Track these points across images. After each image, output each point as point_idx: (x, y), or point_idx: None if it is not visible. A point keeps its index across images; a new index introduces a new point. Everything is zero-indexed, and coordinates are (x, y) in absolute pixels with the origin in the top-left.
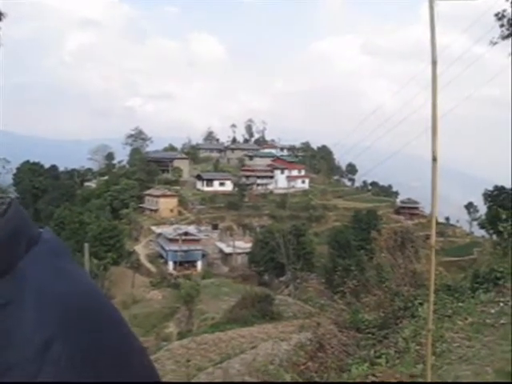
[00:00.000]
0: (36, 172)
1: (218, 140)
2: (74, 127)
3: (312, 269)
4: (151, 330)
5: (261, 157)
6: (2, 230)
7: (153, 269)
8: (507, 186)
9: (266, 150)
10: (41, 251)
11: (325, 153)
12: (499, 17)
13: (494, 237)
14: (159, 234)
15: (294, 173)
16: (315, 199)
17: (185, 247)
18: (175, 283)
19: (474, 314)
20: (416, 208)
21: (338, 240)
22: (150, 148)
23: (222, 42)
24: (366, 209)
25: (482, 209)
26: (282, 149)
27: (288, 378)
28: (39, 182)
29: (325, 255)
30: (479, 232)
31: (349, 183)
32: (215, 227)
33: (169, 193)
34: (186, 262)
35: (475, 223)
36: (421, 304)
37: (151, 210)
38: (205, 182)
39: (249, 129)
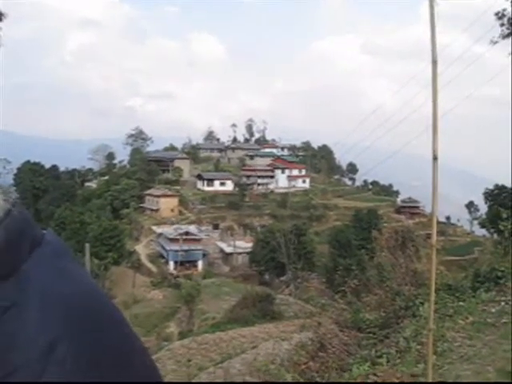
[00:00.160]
0: (37, 172)
1: (218, 140)
2: (75, 127)
3: (313, 268)
4: (152, 329)
5: (261, 156)
6: (5, 232)
7: (153, 269)
8: (508, 184)
9: (267, 150)
10: (44, 253)
11: (325, 152)
12: (499, 16)
13: (495, 236)
14: (160, 234)
15: (295, 172)
16: (316, 199)
17: (185, 247)
18: (176, 283)
19: (475, 313)
20: (417, 207)
21: (339, 239)
22: (151, 148)
23: (222, 41)
24: (366, 208)
25: (483, 208)
26: (282, 148)
27: (289, 378)
28: (40, 182)
29: (325, 255)
30: (480, 231)
31: (349, 182)
32: (216, 227)
33: (169, 193)
34: (186, 262)
35: (476, 222)
36: (422, 303)
37: (152, 210)
38: (205, 182)
39: (249, 128)
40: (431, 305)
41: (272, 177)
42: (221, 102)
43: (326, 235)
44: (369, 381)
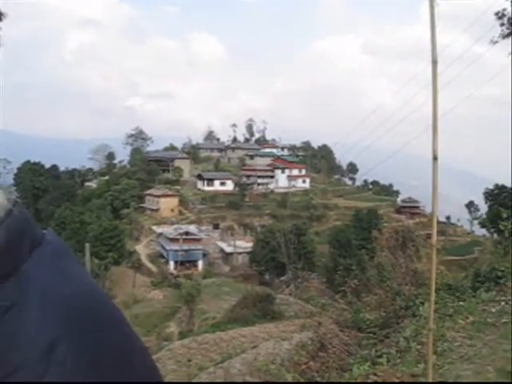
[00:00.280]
0: (37, 172)
1: (218, 139)
2: (75, 127)
3: (313, 268)
4: (152, 329)
5: (261, 156)
6: (5, 232)
7: (154, 268)
8: (508, 184)
9: (267, 150)
10: (44, 252)
11: (325, 152)
12: (499, 16)
13: (495, 236)
14: (160, 234)
15: (295, 172)
16: (316, 198)
17: (186, 247)
18: (176, 283)
19: (475, 313)
20: (417, 207)
21: (339, 239)
22: (151, 148)
23: (222, 41)
24: (366, 208)
25: (483, 208)
26: (282, 148)
27: (289, 378)
28: (40, 182)
29: (326, 254)
30: (480, 231)
31: (349, 182)
32: (216, 227)
33: (169, 192)
34: (186, 262)
35: (476, 222)
36: (422, 303)
37: (152, 210)
38: (205, 182)
39: (249, 128)
40: (431, 304)
41: (272, 177)
42: (221, 102)
43: (326, 235)
44: (369, 381)
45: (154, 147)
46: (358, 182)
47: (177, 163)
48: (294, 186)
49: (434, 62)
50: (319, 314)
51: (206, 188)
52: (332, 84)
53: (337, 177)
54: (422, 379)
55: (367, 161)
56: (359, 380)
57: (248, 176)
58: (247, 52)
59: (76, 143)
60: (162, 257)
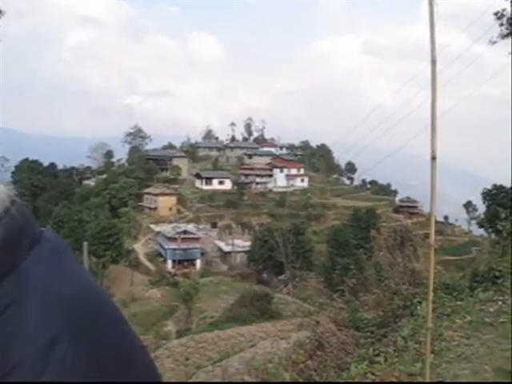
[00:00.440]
0: (35, 170)
1: (217, 138)
2: (73, 125)
3: (311, 267)
4: (150, 328)
5: (260, 155)
6: (4, 230)
7: (152, 267)
8: (506, 184)
9: (265, 149)
10: (43, 250)
11: (324, 151)
12: (498, 16)
13: (493, 236)
14: (158, 233)
15: (293, 171)
16: (314, 198)
17: (184, 246)
18: (174, 281)
19: (472, 312)
20: (415, 207)
21: (337, 239)
22: (149, 146)
23: (222, 40)
24: (365, 207)
25: (481, 208)
26: (281, 147)
27: (287, 377)
28: (38, 180)
29: (324, 254)
30: (478, 231)
31: (348, 182)
32: (214, 226)
33: (168, 191)
34: (184, 261)
35: (474, 222)
36: (420, 303)
37: (150, 209)
38: (204, 181)
39: (248, 127)
40: (429, 304)
41: (270, 176)
42: (220, 101)
43: (324, 234)
44: (367, 380)
45: (152, 146)
46: (357, 182)
47: (175, 162)
48: (292, 185)
49: (433, 62)
50: (317, 313)
51: (205, 187)
52: (331, 84)
53: (335, 176)
54: (420, 378)
55: (366, 160)
56: (357, 379)
57: (246, 175)
58: (247, 51)
59: (74, 141)
60: (160, 255)
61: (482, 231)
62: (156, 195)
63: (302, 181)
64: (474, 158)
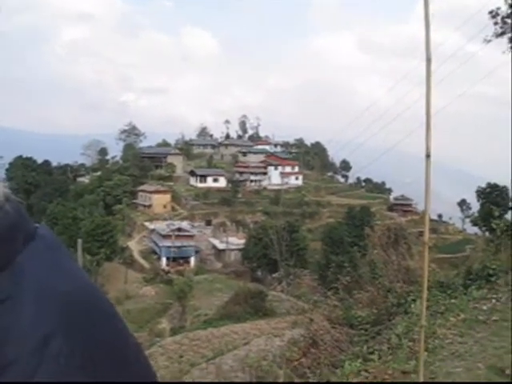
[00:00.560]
0: (29, 167)
1: (211, 136)
2: (68, 122)
3: (305, 265)
4: (144, 325)
5: (254, 153)
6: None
7: (146, 265)
8: (500, 183)
9: (260, 147)
10: (38, 247)
11: (318, 149)
12: (493, 15)
13: (487, 234)
14: (152, 230)
15: (288, 169)
16: (309, 196)
17: (178, 243)
18: (168, 279)
19: (466, 310)
20: (409, 205)
21: (332, 236)
22: (144, 143)
23: (217, 36)
24: (359, 205)
25: (475, 206)
26: (275, 145)
27: (281, 374)
28: (32, 178)
29: (318, 251)
30: (472, 229)
31: (342, 180)
32: (208, 223)
33: (162, 189)
34: (179, 258)
35: (468, 220)
36: (414, 300)
37: (144, 206)
38: (198, 178)
39: (243, 125)
40: (423, 302)
41: (265, 173)
42: (214, 98)
43: (318, 232)
44: (360, 377)
45: (146, 143)
46: (351, 180)
47: (169, 159)
48: (286, 183)
49: (428, 60)
50: (311, 311)
51: (199, 184)
52: (326, 81)
53: (330, 174)
54: (413, 376)
55: (360, 158)
56: (351, 376)
57: (241, 173)
58: (241, 47)
59: (69, 138)
60: (155, 253)
61: (475, 229)
62: (150, 193)
63: (297, 178)
64: (468, 156)
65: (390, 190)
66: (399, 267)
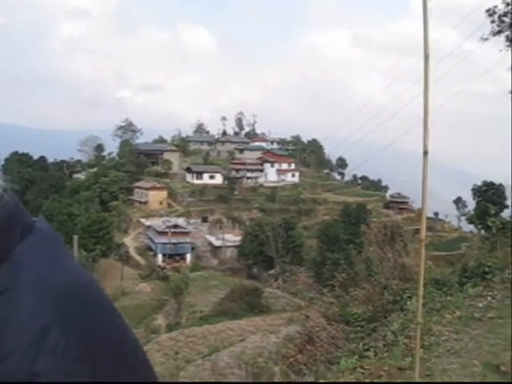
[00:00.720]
0: (24, 163)
1: (208, 132)
2: (64, 118)
3: (301, 262)
4: (140, 322)
5: (251, 150)
6: None
7: (142, 261)
8: (497, 182)
9: (256, 143)
10: (36, 240)
11: (315, 146)
12: (490, 13)
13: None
14: (148, 227)
15: (284, 166)
16: (305, 193)
17: (174, 240)
18: (164, 276)
19: (462, 307)
20: (405, 203)
21: (328, 234)
22: (140, 140)
23: (214, 33)
24: (355, 203)
25: (471, 204)
26: (272, 142)
27: (277, 371)
28: (28, 174)
29: (314, 249)
30: (467, 227)
31: (339, 177)
32: (205, 220)
33: (158, 185)
34: (175, 255)
35: (464, 218)
36: (410, 297)
37: (140, 203)
38: (194, 175)
39: (239, 122)
40: (419, 299)
41: (261, 170)
42: (211, 94)
43: (314, 229)
44: (356, 374)
45: (143, 139)
46: (347, 177)
47: (166, 156)
48: (283, 180)
49: (426, 57)
50: (307, 308)
51: (195, 181)
52: (323, 78)
53: (326, 171)
54: (409, 372)
55: (357, 155)
56: (346, 373)
57: (237, 169)
58: (238, 44)
59: (65, 134)
60: (151, 249)
61: (471, 227)
62: (147, 189)
63: (293, 176)
64: (464, 155)
65: (386, 188)
66: (395, 264)
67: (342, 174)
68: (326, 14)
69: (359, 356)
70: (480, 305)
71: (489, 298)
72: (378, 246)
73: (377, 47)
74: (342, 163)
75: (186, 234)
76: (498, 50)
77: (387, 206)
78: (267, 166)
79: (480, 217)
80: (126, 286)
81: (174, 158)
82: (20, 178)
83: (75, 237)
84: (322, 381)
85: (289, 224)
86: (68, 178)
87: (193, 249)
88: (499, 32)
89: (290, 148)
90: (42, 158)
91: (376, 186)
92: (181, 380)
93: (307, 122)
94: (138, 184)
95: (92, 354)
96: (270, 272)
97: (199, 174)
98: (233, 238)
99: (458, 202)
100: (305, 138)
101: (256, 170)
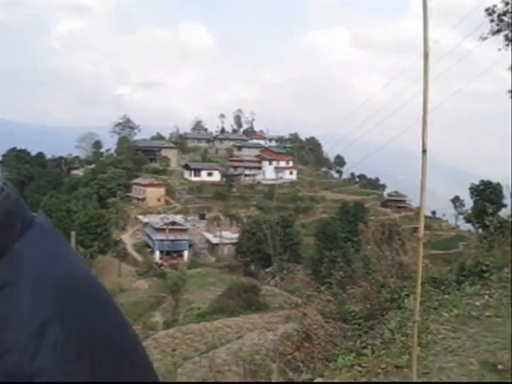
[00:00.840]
0: (22, 159)
1: (206, 130)
2: (62, 114)
3: (299, 260)
4: (138, 319)
5: (249, 147)
6: None
7: (139, 258)
8: (495, 180)
9: (255, 141)
10: (35, 235)
11: (313, 144)
12: (489, 12)
13: (480, 230)
14: (146, 224)
15: (282, 164)
16: (303, 191)
17: (172, 237)
18: (162, 272)
19: (459, 306)
20: (403, 201)
21: (325, 232)
22: (138, 136)
23: (214, 33)
24: (353, 201)
25: (468, 203)
26: (270, 140)
27: (274, 368)
28: (26, 170)
29: (312, 246)
30: (465, 226)
31: (336, 175)
32: (202, 217)
33: (156, 182)
34: (172, 252)
35: (461, 217)
36: (407, 296)
37: (138, 199)
38: (192, 172)
39: (237, 119)
40: (417, 297)
41: (259, 168)
42: (210, 92)
43: (312, 227)
44: (353, 371)
45: (141, 136)
46: (345, 175)
47: (164, 153)
48: (281, 178)
49: (426, 56)
50: (304, 306)
51: (193, 178)
52: (322, 76)
53: (324, 169)
54: (406, 370)
55: (355, 154)
56: (344, 370)
57: (235, 167)
58: (237, 43)
59: (63, 131)
60: (148, 246)
61: (469, 226)
62: (144, 186)
63: (291, 173)
64: (463, 154)
65: (383, 186)
66: (393, 263)
67: (340, 172)
68: (326, 14)
69: (356, 354)
70: (477, 303)
71: (486, 297)
72: (376, 244)
73: (377, 47)
74: (340, 161)
75: (184, 231)
76: (497, 49)
77: (385, 204)
78: (265, 163)
79: (478, 216)
80: (124, 282)
81: (172, 155)
82: (18, 174)
83: (73, 233)
84: (319, 380)
85: (286, 222)
86: (66, 175)
87: (190, 246)
88: (498, 31)
89: (288, 146)
90: (40, 155)
91: (374, 185)
92: (178, 377)
93: (306, 119)
94: (135, 181)
95: (91, 349)
96: (268, 270)
97: (197, 171)
98: (230, 235)
99: (456, 200)
100: (303, 136)
101: (254, 168)
